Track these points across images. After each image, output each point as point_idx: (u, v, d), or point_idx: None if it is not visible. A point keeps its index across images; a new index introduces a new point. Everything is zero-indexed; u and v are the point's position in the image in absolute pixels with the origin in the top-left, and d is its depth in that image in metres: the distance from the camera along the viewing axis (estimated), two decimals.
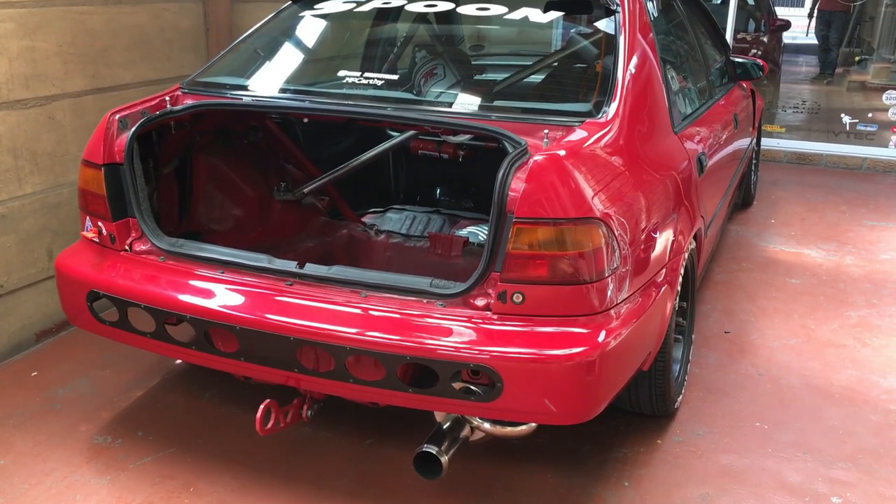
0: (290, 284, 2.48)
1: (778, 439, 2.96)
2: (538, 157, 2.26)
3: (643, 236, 2.50)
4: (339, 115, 2.82)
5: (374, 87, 2.84)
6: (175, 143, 3.04)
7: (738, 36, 9.07)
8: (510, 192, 2.25)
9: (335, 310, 2.39)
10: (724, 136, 3.85)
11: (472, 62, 4.60)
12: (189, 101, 2.91)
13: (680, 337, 3.14)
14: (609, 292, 2.31)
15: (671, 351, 2.86)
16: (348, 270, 2.47)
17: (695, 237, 3.13)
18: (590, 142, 2.44)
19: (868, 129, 7.01)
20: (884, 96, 6.97)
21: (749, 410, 3.14)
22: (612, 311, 2.32)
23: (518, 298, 2.26)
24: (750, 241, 5.09)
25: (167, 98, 2.87)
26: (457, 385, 2.28)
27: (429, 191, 4.28)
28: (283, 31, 3.48)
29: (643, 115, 2.76)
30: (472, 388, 2.27)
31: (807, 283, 4.41)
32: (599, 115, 2.58)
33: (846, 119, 7.08)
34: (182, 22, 4.12)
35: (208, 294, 2.50)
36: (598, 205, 2.29)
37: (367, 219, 3.90)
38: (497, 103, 2.79)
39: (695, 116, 3.42)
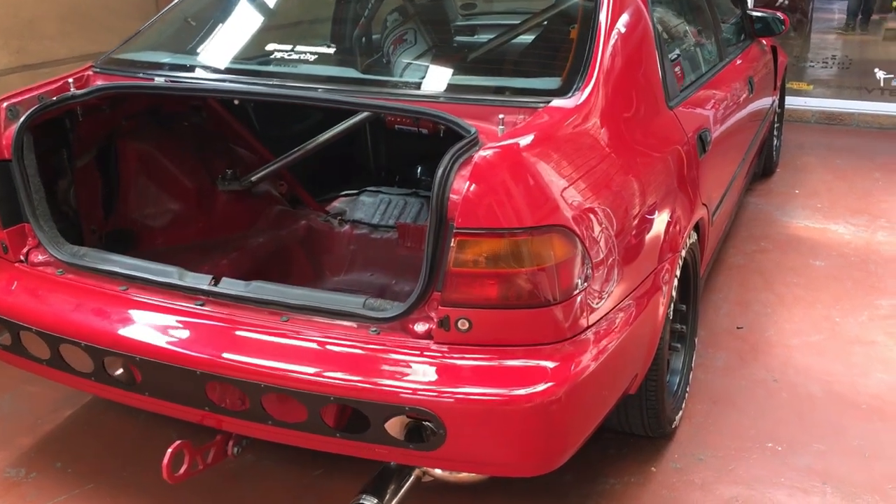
0: (202, 305, 2.08)
1: (793, 464, 2.54)
2: (485, 152, 1.83)
3: (624, 239, 2.07)
4: (258, 97, 2.40)
5: (306, 62, 2.41)
6: (92, 130, 2.63)
7: None
8: (451, 195, 1.83)
9: (249, 337, 1.99)
10: (735, 104, 3.36)
11: (456, 25, 4.13)
12: (100, 83, 2.51)
13: (679, 345, 2.71)
14: (579, 313, 1.89)
15: (664, 368, 2.43)
16: (268, 288, 2.07)
17: (697, 228, 2.69)
18: (554, 128, 2.00)
19: None
20: None
21: (760, 427, 2.72)
22: (584, 335, 1.90)
23: (464, 325, 1.84)
24: (770, 215, 4.61)
25: (71, 80, 2.46)
26: (397, 427, 1.89)
27: (408, 170, 3.86)
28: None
29: (627, 91, 2.30)
30: (422, 429, 1.87)
31: (832, 266, 3.94)
32: (570, 94, 2.13)
33: (880, 74, 6.49)
34: None
35: (106, 316, 2.11)
36: (563, 208, 1.86)
37: (338, 203, 3.48)
38: (455, 80, 2.33)
39: (698, 85, 2.94)
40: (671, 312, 2.41)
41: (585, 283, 1.88)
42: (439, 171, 1.84)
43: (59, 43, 3.43)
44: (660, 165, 2.33)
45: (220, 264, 2.78)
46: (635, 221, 2.13)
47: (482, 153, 1.82)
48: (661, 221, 2.28)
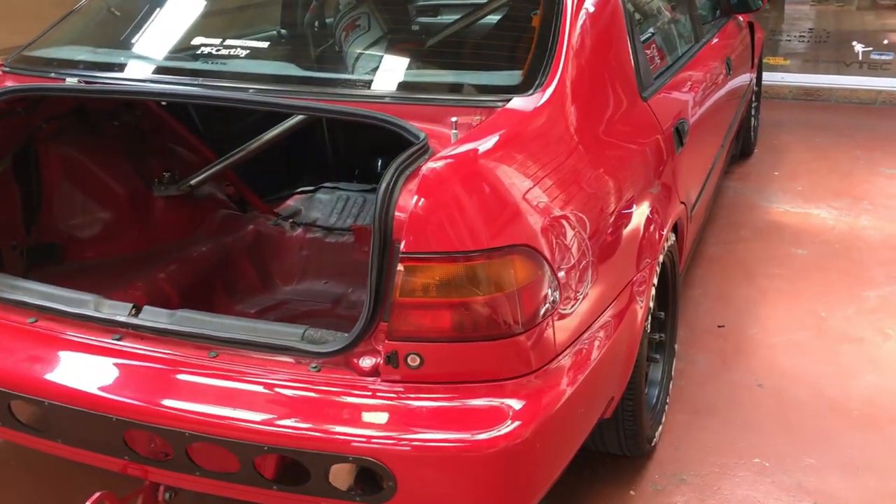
0: (119, 339, 1.84)
1: (782, 482, 2.35)
2: (434, 163, 1.59)
3: (596, 251, 1.84)
4: (178, 99, 2.14)
5: (240, 58, 2.14)
6: (4, 136, 2.36)
7: None
8: (396, 213, 1.59)
9: (172, 378, 1.75)
10: (713, 89, 3.14)
11: (417, 5, 3.87)
12: (7, 84, 2.24)
13: (657, 356, 2.51)
14: (546, 341, 1.66)
15: (643, 385, 2.23)
16: (194, 318, 1.83)
17: (675, 228, 2.47)
18: (513, 132, 1.75)
19: (883, 57, 6.22)
20: None
21: (746, 440, 2.52)
22: (552, 365, 1.68)
23: (414, 361, 1.62)
24: (749, 200, 4.41)
25: None
26: (342, 476, 1.66)
27: (368, 163, 3.61)
28: None
29: (596, 85, 2.07)
30: (374, 475, 1.65)
31: (816, 254, 3.75)
32: (531, 91, 1.89)
33: (859, 47, 6.29)
34: None
35: (9, 353, 1.86)
36: (524, 225, 1.63)
37: (293, 202, 3.23)
38: (406, 76, 2.07)
39: (673, 71, 2.70)
40: (649, 323, 2.20)
41: (552, 307, 1.66)
42: (382, 186, 1.61)
43: None
44: (633, 165, 2.10)
45: (156, 278, 2.53)
46: (608, 231, 1.91)
47: (431, 164, 1.59)
48: (635, 227, 2.05)
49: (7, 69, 2.29)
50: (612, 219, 1.92)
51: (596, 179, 1.91)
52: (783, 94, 6.29)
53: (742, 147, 4.88)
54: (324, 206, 3.19)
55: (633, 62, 2.28)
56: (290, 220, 2.96)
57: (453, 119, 1.76)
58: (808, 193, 4.46)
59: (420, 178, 1.57)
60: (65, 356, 1.83)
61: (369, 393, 1.64)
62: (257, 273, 2.82)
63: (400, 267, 1.57)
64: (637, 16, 2.61)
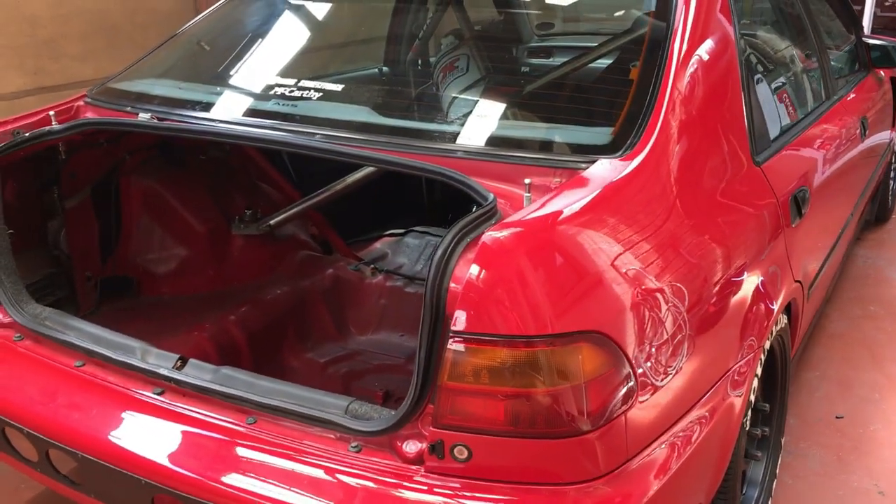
0: (160, 393, 1.73)
1: None
2: (497, 231, 1.41)
3: (685, 340, 1.60)
4: (250, 142, 2.04)
5: (317, 101, 2.02)
6: (86, 167, 2.33)
7: (887, 2, 7.69)
8: (451, 284, 1.41)
9: (206, 443, 1.62)
10: (844, 151, 2.82)
11: (530, 48, 3.71)
12: (86, 117, 2.20)
13: (759, 453, 2.21)
14: (618, 441, 1.44)
15: (738, 490, 1.95)
16: (237, 378, 1.69)
17: (788, 309, 2.19)
18: (594, 199, 1.54)
19: None
20: None
21: None
22: (626, 469, 1.45)
23: (462, 454, 1.42)
24: (882, 272, 3.99)
25: (52, 113, 2.15)
26: None
27: (463, 208, 3.46)
28: (254, 17, 2.72)
29: (698, 149, 1.83)
30: None
31: None
32: (620, 152, 1.67)
33: None
34: (163, 3, 3.42)
35: (53, 398, 1.78)
36: (597, 308, 1.42)
37: (380, 244, 3.11)
38: (492, 129, 1.88)
39: (796, 132, 2.42)
40: (748, 418, 1.93)
41: (628, 401, 1.43)
42: (438, 252, 1.43)
43: (81, 63, 3.18)
44: (736, 240, 1.85)
45: (226, 320, 2.44)
46: (700, 316, 1.66)
47: (493, 233, 1.40)
48: (736, 310, 1.79)
49: (89, 100, 2.26)
50: (706, 303, 1.67)
51: (693, 259, 1.67)
52: None
53: (878, 212, 4.46)
54: (411, 252, 3.06)
55: (746, 122, 2.03)
56: (372, 265, 2.82)
57: (527, 181, 1.57)
58: None
59: (479, 246, 1.39)
60: (104, 406, 1.74)
61: (412, 486, 1.45)
62: (332, 320, 2.70)
63: (450, 346, 1.38)
64: (757, 70, 2.36)
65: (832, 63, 3.13)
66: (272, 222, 2.66)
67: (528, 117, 1.97)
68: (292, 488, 1.50)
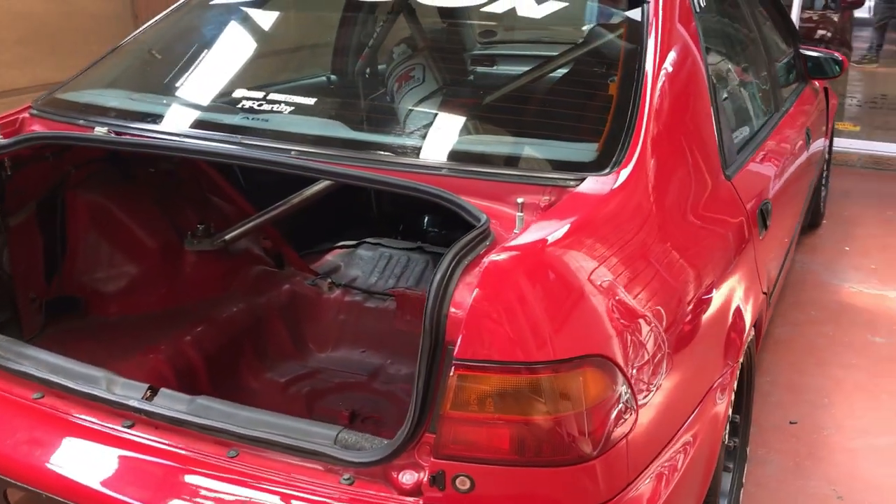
0: (130, 426, 1.63)
1: None
2: (498, 256, 1.37)
3: (678, 360, 1.59)
4: (217, 158, 1.95)
5: (284, 114, 1.95)
6: (30, 182, 2.20)
7: (804, 15, 7.96)
8: (451, 309, 1.37)
9: (183, 479, 1.53)
10: (793, 163, 2.89)
11: (473, 55, 3.67)
12: (34, 131, 2.07)
13: (730, 464, 2.23)
14: (620, 467, 1.42)
15: (717, 502, 1.96)
16: (215, 409, 1.61)
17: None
18: (588, 219, 1.52)
19: None
20: None
21: None
22: (624, 496, 1.43)
23: (464, 484, 1.38)
24: (819, 276, 4.11)
25: None
26: None
27: (413, 219, 3.41)
28: (204, 25, 2.62)
29: (678, 164, 1.83)
30: None
31: (895, 344, 3.44)
32: (608, 170, 1.66)
33: None
34: (100, 6, 3.27)
35: (11, 432, 1.66)
36: (599, 332, 1.39)
37: (332, 257, 3.04)
38: (464, 143, 1.85)
39: (755, 145, 2.46)
40: (727, 430, 1.94)
41: (630, 426, 1.41)
42: (437, 277, 1.38)
43: (17, 70, 3.01)
44: (719, 256, 1.86)
45: (181, 341, 2.34)
46: (693, 334, 1.66)
47: (495, 257, 1.36)
48: (721, 327, 1.81)
49: (35, 112, 2.13)
50: (697, 320, 1.67)
51: (679, 276, 1.66)
52: (851, 162, 5.98)
53: (812, 216, 4.59)
54: (365, 264, 3.00)
55: (716, 136, 2.05)
56: (329, 280, 2.75)
57: (519, 200, 1.54)
58: (883, 273, 4.15)
59: (482, 272, 1.35)
60: (69, 442, 1.63)
61: None
62: (290, 337, 2.61)
63: (453, 374, 1.34)
64: (720, 83, 2.39)
65: (778, 75, 3.20)
66: (228, 237, 2.56)
67: (506, 132, 1.93)
68: None
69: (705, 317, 1.72)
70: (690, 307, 1.66)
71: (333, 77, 3.18)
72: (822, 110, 3.96)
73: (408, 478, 1.43)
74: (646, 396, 1.47)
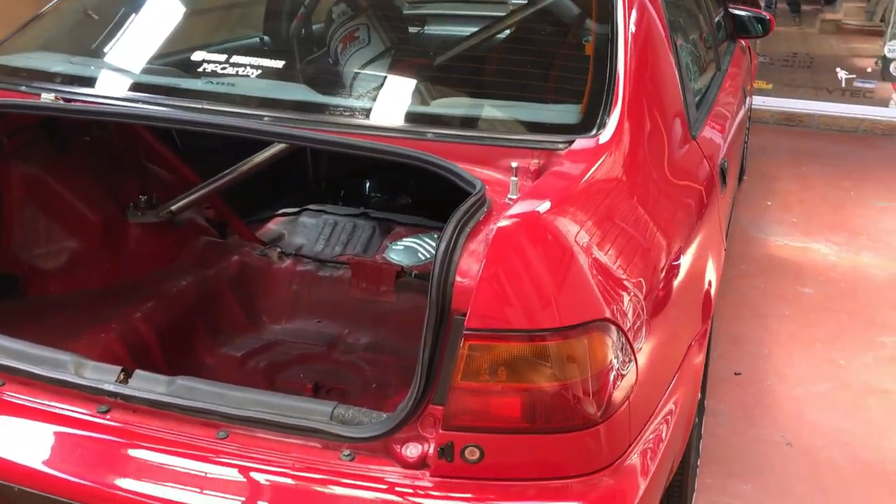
0: (107, 411, 1.54)
1: None
2: (505, 222, 1.34)
3: (669, 318, 1.61)
4: (181, 125, 1.85)
5: (246, 78, 1.85)
6: None
7: None
8: (457, 278, 1.33)
9: (171, 463, 1.45)
10: (736, 122, 2.94)
11: (408, 14, 3.59)
12: None
13: (697, 418, 2.28)
14: (622, 430, 1.42)
15: (693, 459, 2.00)
16: (198, 387, 1.53)
17: None
18: (586, 183, 1.51)
19: (867, 85, 6.14)
20: (886, 49, 6.09)
21: None
22: (624, 460, 1.44)
23: (473, 455, 1.35)
24: (746, 231, 4.24)
25: None
26: None
27: (355, 184, 3.33)
28: None
29: (655, 126, 1.83)
30: None
31: (822, 294, 3.59)
32: (594, 131, 1.64)
33: (842, 74, 6.21)
34: None
35: None
36: (605, 296, 1.38)
37: (274, 225, 2.94)
38: (436, 105, 1.80)
39: (707, 105, 2.48)
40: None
41: (632, 389, 1.42)
42: (441, 246, 1.34)
43: None
44: (694, 215, 1.87)
45: (131, 318, 2.22)
46: (681, 291, 1.67)
47: (503, 224, 1.33)
48: (700, 283, 1.83)
49: None
50: (683, 279, 1.69)
51: (669, 235, 1.67)
52: (765, 119, 6.18)
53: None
54: (309, 232, 2.91)
55: (682, 96, 2.06)
56: (279, 249, 2.66)
57: (514, 164, 1.50)
58: (805, 226, 4.32)
59: (492, 241, 1.31)
60: (38, 431, 1.52)
61: (420, 492, 1.37)
62: (243, 310, 2.52)
63: (463, 347, 1.30)
64: (677, 42, 2.39)
65: (717, 35, 3.24)
66: (174, 208, 2.44)
67: (485, 95, 1.89)
68: None
69: (688, 275, 1.74)
70: (678, 267, 1.67)
71: (294, 36, 3.05)
72: (748, 69, 4.06)
73: (412, 451, 1.40)
74: (641, 357, 1.48)
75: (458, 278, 1.33)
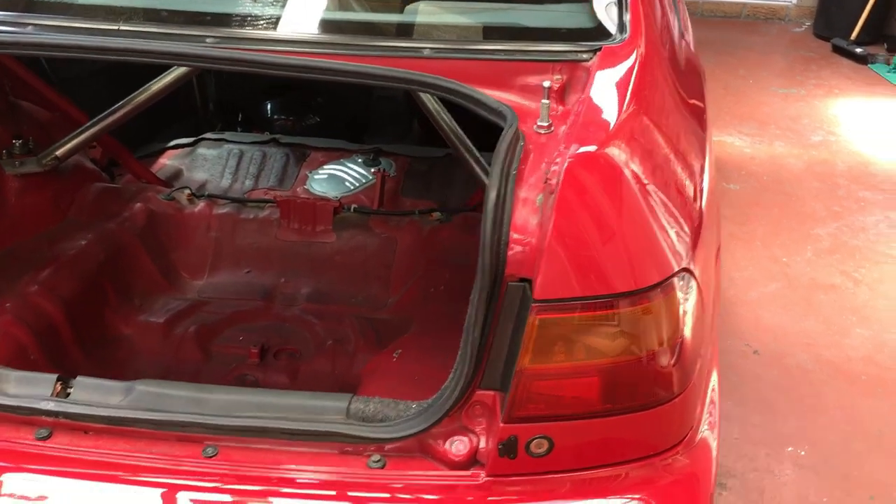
0: (47, 437, 1.18)
1: (828, 475, 2.08)
2: (575, 167, 1.05)
3: (714, 248, 1.39)
4: (107, 54, 1.43)
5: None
6: None
7: None
8: (514, 236, 1.05)
9: (146, 498, 1.13)
10: (688, 21, 2.72)
11: None
12: None
13: None
14: (697, 402, 1.21)
15: None
16: (165, 392, 1.20)
17: None
18: (629, 102, 1.22)
19: None
20: None
21: (770, 427, 2.23)
22: (698, 434, 1.23)
23: (540, 447, 1.11)
24: None
25: None
26: None
27: (255, 106, 2.92)
28: None
29: (665, 28, 1.57)
30: None
31: (749, 189, 3.53)
32: (618, 35, 1.36)
33: None
34: None
35: None
36: (680, 242, 1.14)
37: (167, 159, 2.52)
38: (423, 13, 1.44)
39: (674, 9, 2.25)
40: None
41: (708, 351, 1.20)
42: (491, 195, 1.05)
43: None
44: (707, 119, 1.65)
45: (26, 293, 1.81)
46: (711, 212, 1.45)
47: (569, 166, 1.04)
48: (717, 196, 1.62)
49: None
50: (713, 194, 1.46)
51: (700, 146, 1.43)
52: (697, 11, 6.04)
53: None
54: (211, 165, 2.51)
55: None
56: (188, 190, 2.26)
57: (545, 84, 1.20)
58: (714, 118, 4.21)
59: (560, 189, 1.03)
60: None
61: (472, 497, 1.11)
62: (156, 266, 2.13)
63: (533, 319, 1.04)
64: None
65: None
66: (59, 153, 2.00)
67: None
68: None
69: (714, 189, 1.52)
70: (712, 180, 1.45)
71: None
72: None
73: (458, 447, 1.13)
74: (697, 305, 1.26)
75: (513, 234, 1.05)
